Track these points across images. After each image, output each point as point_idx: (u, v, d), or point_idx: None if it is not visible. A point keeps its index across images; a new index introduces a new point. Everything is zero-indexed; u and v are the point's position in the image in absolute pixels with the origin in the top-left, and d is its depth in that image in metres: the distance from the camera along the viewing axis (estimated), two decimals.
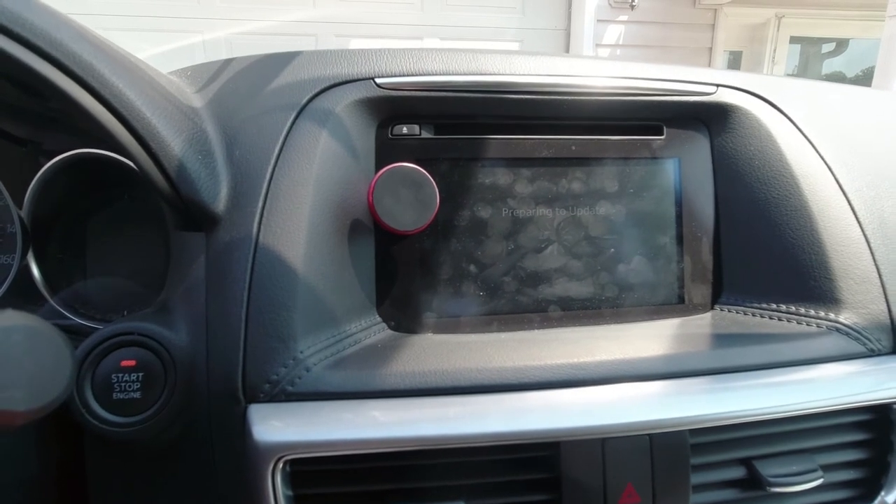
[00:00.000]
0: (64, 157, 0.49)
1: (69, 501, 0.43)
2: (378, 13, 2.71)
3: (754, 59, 3.22)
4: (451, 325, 0.49)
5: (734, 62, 3.26)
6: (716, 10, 2.96)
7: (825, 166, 0.50)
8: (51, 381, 0.25)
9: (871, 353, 0.46)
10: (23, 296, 0.50)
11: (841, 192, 0.49)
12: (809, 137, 0.51)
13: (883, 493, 0.44)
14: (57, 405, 0.25)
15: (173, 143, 0.39)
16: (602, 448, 0.39)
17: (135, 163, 0.38)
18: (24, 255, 0.48)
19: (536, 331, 0.49)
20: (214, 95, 0.48)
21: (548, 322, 0.50)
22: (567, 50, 2.92)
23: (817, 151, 0.51)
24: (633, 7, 2.82)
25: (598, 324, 0.51)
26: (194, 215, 0.42)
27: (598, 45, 2.84)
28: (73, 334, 0.50)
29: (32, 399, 0.24)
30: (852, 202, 0.49)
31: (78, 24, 0.37)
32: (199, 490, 0.41)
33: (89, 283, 0.53)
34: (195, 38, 2.58)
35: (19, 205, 0.48)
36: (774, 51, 3.18)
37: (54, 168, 0.49)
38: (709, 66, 3.01)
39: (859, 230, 0.48)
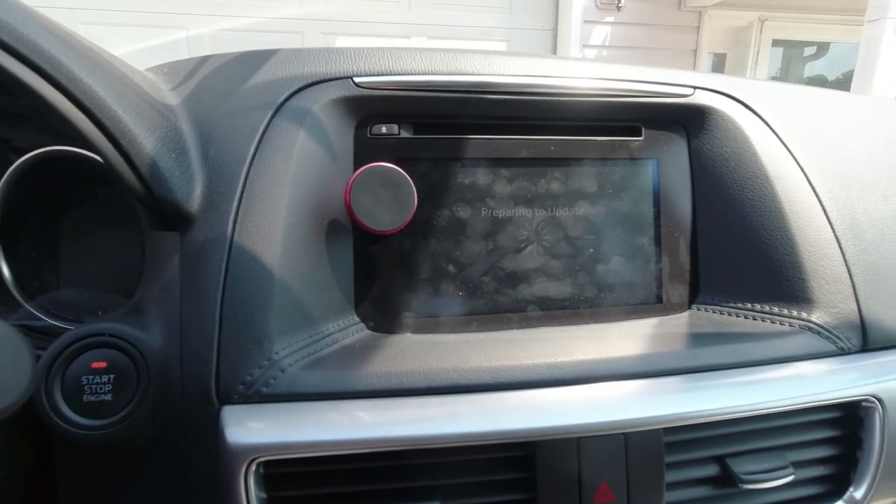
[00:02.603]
0: (34, 155, 0.48)
1: None
2: (365, 11, 2.69)
3: (738, 61, 3.26)
4: (430, 325, 0.48)
5: (718, 64, 3.30)
6: (701, 12, 2.99)
7: (798, 168, 0.51)
8: (10, 383, 0.24)
9: (842, 352, 0.47)
10: None
11: (813, 194, 0.50)
12: (784, 140, 0.52)
13: (851, 489, 0.45)
14: (17, 408, 0.25)
15: (145, 140, 0.39)
16: (577, 447, 0.39)
17: (105, 161, 0.38)
18: None
19: (515, 331, 0.50)
20: (190, 93, 0.47)
21: (526, 322, 0.50)
22: (554, 50, 2.93)
23: (791, 154, 0.52)
24: (619, 8, 2.84)
25: (576, 323, 0.51)
26: (168, 215, 0.41)
27: (584, 46, 2.86)
28: (45, 336, 0.49)
29: None
30: (824, 204, 0.50)
31: (46, 18, 0.36)
32: (172, 493, 0.40)
33: (62, 283, 0.52)
34: (179, 34, 2.55)
35: None
36: (757, 53, 3.23)
37: (24, 166, 0.48)
38: (693, 68, 3.04)
39: (831, 231, 0.49)
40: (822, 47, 3.59)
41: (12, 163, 0.47)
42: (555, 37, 2.95)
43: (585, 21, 2.81)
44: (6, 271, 0.49)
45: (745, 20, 3.19)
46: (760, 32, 3.20)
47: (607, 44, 2.91)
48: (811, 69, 3.68)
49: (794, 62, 3.63)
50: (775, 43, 3.32)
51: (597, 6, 2.82)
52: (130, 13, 2.46)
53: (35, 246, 0.52)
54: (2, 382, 0.24)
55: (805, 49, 3.61)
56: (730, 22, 3.14)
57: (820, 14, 3.22)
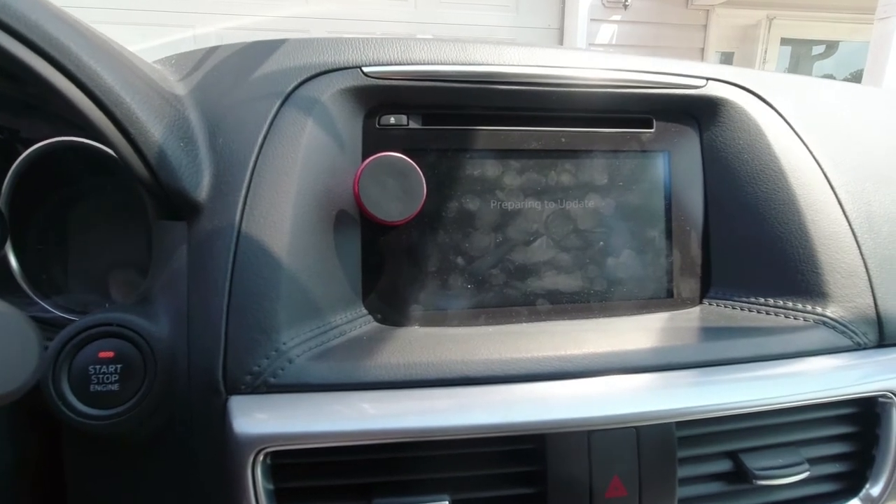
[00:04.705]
0: (42, 146, 0.47)
1: (46, 496, 0.42)
2: (371, 10, 2.69)
3: (745, 60, 3.24)
4: (439, 318, 0.48)
5: (726, 63, 3.28)
6: (708, 10, 2.97)
7: (813, 161, 0.50)
8: (16, 367, 0.24)
9: (858, 347, 0.46)
10: (0, 288, 0.48)
11: (829, 187, 0.49)
12: (798, 132, 0.51)
13: (868, 486, 0.44)
14: (23, 393, 0.24)
15: (154, 129, 0.38)
16: (588, 441, 0.38)
17: (114, 149, 0.38)
18: (1, 246, 0.47)
19: (524, 324, 0.49)
20: (198, 83, 0.47)
21: (536, 315, 0.50)
22: None
23: (806, 146, 0.51)
24: (626, 7, 2.82)
25: (586, 317, 0.50)
26: (175, 204, 0.41)
27: (591, 45, 2.84)
28: (52, 327, 0.48)
29: None
30: (840, 196, 0.49)
31: (56, 6, 0.36)
32: (179, 484, 0.40)
33: (69, 274, 0.52)
34: (185, 32, 2.55)
35: None
36: (765, 52, 3.20)
37: (32, 157, 0.48)
38: None
39: (846, 224, 0.48)
40: (831, 46, 3.56)
41: (20, 153, 0.47)
42: (561, 35, 2.94)
43: (592, 19, 2.80)
44: (14, 263, 0.49)
45: (753, 18, 3.17)
46: (768, 31, 3.18)
47: (614, 42, 2.90)
48: (820, 68, 3.65)
49: (802, 61, 3.60)
50: (783, 41, 3.30)
51: (603, 4, 2.80)
52: (137, 12, 2.47)
53: (42, 237, 0.51)
54: (8, 367, 0.24)
55: (813, 48, 3.58)
56: (737, 20, 3.12)
57: (829, 12, 3.20)
